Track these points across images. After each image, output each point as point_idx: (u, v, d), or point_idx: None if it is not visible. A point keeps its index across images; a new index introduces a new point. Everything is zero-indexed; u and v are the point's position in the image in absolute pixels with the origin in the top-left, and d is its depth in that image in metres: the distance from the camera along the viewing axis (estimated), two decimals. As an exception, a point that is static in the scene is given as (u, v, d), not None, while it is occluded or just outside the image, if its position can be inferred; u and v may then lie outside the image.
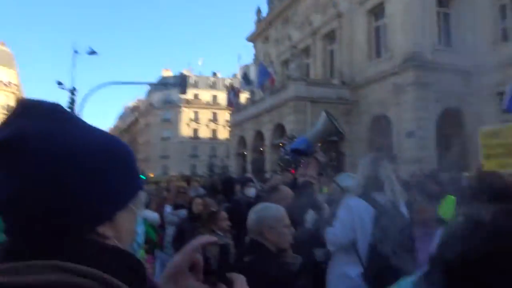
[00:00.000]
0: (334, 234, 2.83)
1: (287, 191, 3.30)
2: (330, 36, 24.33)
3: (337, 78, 22.67)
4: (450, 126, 19.93)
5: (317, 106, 20.53)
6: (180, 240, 4.86)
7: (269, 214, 2.19)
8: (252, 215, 2.20)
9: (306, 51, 26.32)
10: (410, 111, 18.63)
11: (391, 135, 19.55)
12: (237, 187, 6.83)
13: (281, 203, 3.11)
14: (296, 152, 3.06)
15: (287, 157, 17.80)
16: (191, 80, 54.91)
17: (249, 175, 10.12)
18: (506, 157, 4.40)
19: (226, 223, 3.70)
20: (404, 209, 2.90)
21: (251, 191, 5.77)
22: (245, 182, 5.93)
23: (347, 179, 3.40)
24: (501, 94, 19.38)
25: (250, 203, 5.09)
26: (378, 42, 21.54)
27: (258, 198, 5.49)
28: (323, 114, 3.03)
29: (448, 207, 4.24)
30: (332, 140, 20.93)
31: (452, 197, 4.34)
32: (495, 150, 4.58)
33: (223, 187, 6.23)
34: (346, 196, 2.99)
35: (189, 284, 0.80)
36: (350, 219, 2.79)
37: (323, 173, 3.16)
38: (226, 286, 0.80)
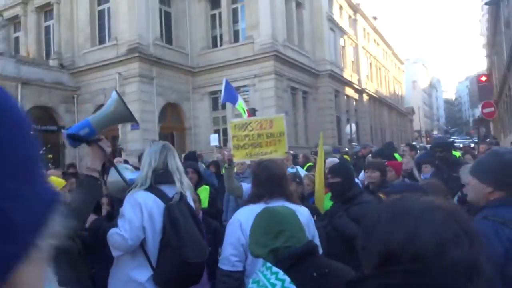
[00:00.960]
0: (122, 236, 2.39)
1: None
2: (46, 10, 21.57)
3: (55, 59, 20.31)
4: (171, 120, 21.34)
5: (30, 89, 17.85)
6: None
7: None
8: None
9: (15, 22, 22.40)
10: (134, 103, 18.74)
11: (116, 127, 19.16)
12: None
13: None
14: (74, 138, 2.38)
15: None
16: None
17: None
18: (252, 147, 4.85)
19: None
20: (191, 201, 2.76)
21: None
22: None
23: (124, 171, 2.93)
24: (211, 93, 22.33)
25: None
26: (102, 27, 20.64)
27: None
28: (114, 94, 2.50)
29: (204, 195, 4.44)
30: (49, 129, 18.69)
31: (207, 186, 4.57)
32: (243, 141, 4.89)
33: None
34: (131, 191, 2.56)
35: None
36: (138, 217, 2.43)
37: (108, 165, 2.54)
38: None
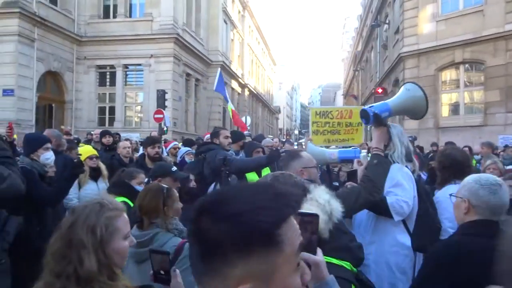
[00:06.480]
0: (406, 203, 2.68)
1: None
2: None
3: None
4: (50, 90, 18.84)
5: None
6: None
7: None
8: None
9: None
10: (9, 66, 16.07)
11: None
12: None
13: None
14: (376, 117, 2.53)
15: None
16: None
17: None
18: (331, 134, 5.31)
19: None
20: None
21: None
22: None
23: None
24: (99, 67, 20.47)
25: None
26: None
27: None
28: (418, 89, 2.68)
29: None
30: None
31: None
32: (323, 127, 5.32)
33: None
34: (395, 164, 2.82)
35: None
36: (411, 187, 2.76)
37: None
38: None
